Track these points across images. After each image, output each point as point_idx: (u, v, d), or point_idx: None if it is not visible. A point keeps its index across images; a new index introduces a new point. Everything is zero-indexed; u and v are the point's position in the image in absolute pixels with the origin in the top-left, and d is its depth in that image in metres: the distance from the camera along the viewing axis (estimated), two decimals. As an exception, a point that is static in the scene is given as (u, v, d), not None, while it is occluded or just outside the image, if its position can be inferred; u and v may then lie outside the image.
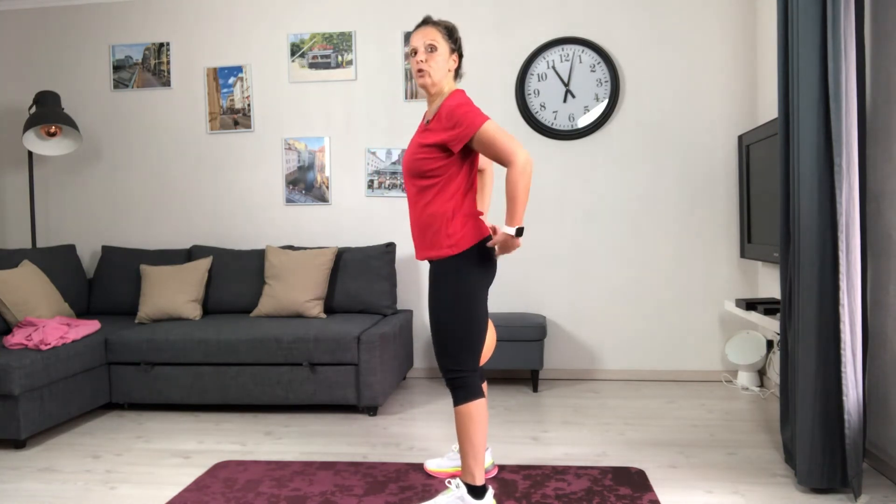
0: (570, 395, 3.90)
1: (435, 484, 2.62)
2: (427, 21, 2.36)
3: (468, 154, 2.31)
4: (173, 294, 3.98)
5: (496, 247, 2.30)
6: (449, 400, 3.84)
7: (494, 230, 2.42)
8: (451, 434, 3.24)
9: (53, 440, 3.28)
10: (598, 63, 4.16)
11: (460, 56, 2.40)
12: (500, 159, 2.21)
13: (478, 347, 2.31)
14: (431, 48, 2.31)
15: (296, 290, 3.91)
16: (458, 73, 2.42)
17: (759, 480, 2.61)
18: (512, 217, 2.21)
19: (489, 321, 2.64)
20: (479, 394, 2.30)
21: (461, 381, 2.29)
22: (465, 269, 2.27)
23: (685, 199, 4.17)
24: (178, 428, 3.42)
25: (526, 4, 4.23)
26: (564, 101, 4.20)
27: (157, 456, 3.02)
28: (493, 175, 2.69)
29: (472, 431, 2.28)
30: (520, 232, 2.22)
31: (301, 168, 4.44)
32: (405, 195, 4.35)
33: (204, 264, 4.14)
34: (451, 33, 2.36)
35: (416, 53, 2.33)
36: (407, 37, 4.32)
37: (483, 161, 2.62)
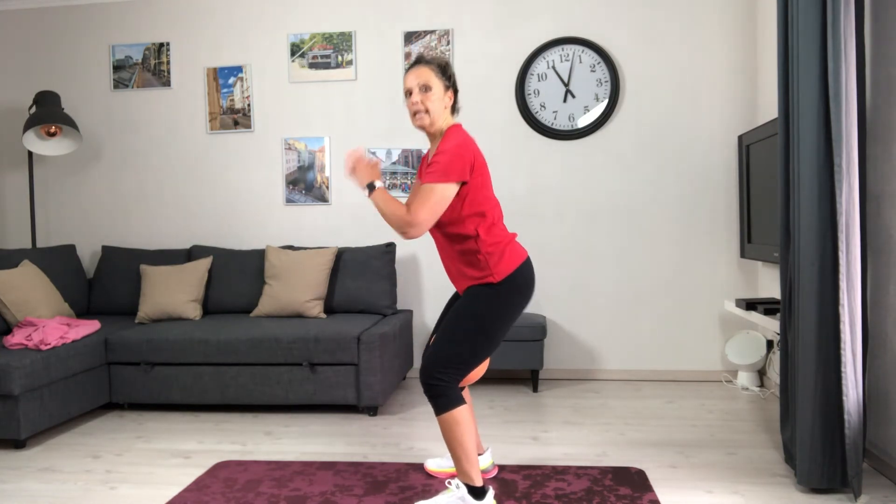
0: (570, 395, 3.90)
1: (435, 484, 2.62)
2: (420, 60, 2.35)
3: (469, 186, 2.28)
4: (173, 294, 3.99)
5: (351, 163, 2.36)
6: (449, 400, 3.84)
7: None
8: (451, 434, 3.24)
9: (53, 440, 3.28)
10: (598, 63, 4.16)
11: (455, 91, 2.40)
12: (411, 203, 2.21)
13: (470, 367, 2.31)
14: (426, 88, 2.30)
15: (296, 290, 3.91)
16: (454, 109, 2.41)
17: (759, 480, 2.61)
18: (382, 190, 2.27)
19: None
20: (460, 401, 2.28)
21: (440, 389, 2.26)
22: (505, 296, 2.28)
23: (685, 199, 4.17)
24: (178, 428, 3.42)
25: (526, 4, 4.23)
26: (564, 101, 4.20)
27: (157, 456, 3.02)
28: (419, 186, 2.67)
29: (460, 435, 2.26)
30: (371, 187, 2.28)
31: (301, 168, 4.44)
32: (405, 195, 4.35)
33: (204, 264, 4.14)
34: (444, 70, 2.35)
35: (410, 94, 2.33)
36: (407, 37, 4.32)
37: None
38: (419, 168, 2.54)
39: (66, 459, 3.00)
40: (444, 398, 2.26)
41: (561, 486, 2.57)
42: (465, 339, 2.27)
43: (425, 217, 2.18)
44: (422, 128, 2.35)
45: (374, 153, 4.36)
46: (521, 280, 2.32)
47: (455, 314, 2.30)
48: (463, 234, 2.31)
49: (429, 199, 2.18)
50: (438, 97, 2.32)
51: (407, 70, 2.37)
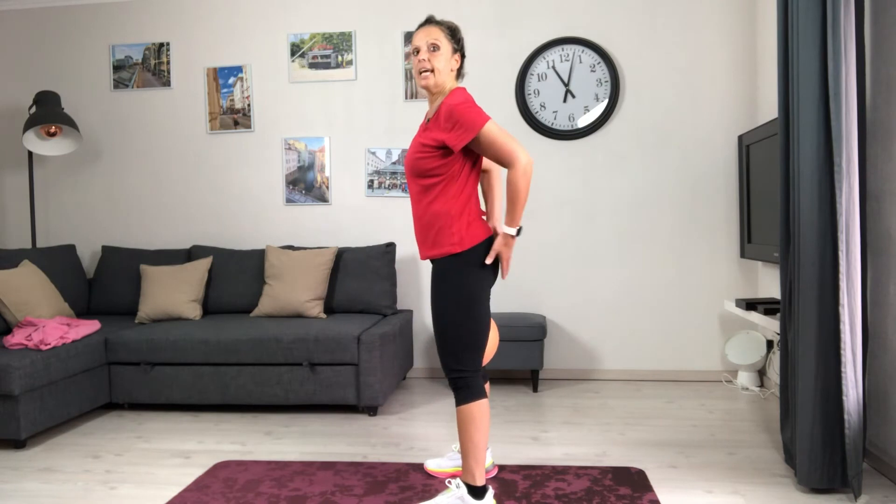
0: (570, 395, 3.90)
1: (435, 484, 2.62)
2: (430, 20, 2.35)
3: (470, 153, 2.30)
4: (173, 294, 3.99)
5: (500, 253, 2.30)
6: (449, 400, 3.84)
7: (494, 231, 2.41)
8: (451, 434, 3.24)
9: (53, 440, 3.28)
10: (598, 63, 4.16)
11: (462, 56, 2.39)
12: (501, 160, 2.21)
13: (480, 347, 2.31)
14: (434, 47, 2.29)
15: (296, 290, 3.91)
16: (460, 73, 2.41)
17: (759, 480, 2.61)
18: (512, 217, 2.23)
19: (492, 321, 2.64)
20: (481, 394, 2.30)
21: (463, 381, 2.29)
22: (467, 269, 2.27)
23: (685, 199, 4.17)
24: (178, 428, 3.42)
25: (526, 4, 4.23)
26: (564, 101, 4.20)
27: (157, 456, 3.02)
28: (500, 177, 2.64)
29: (474, 432, 2.28)
30: (519, 232, 2.26)
31: (301, 168, 4.44)
32: (405, 195, 4.35)
33: (204, 264, 4.14)
34: (453, 33, 2.35)
35: (418, 52, 2.32)
36: (407, 37, 4.32)
37: (487, 162, 2.61)
38: (419, 128, 2.51)
39: (66, 459, 3.00)
40: (464, 390, 2.28)
41: (561, 486, 2.57)
42: (453, 326, 2.27)
43: (514, 146, 2.18)
44: (426, 87, 2.33)
45: (373, 153, 4.36)
46: (484, 252, 2.30)
47: (433, 308, 2.31)
48: (442, 194, 2.28)
49: (497, 140, 2.19)
50: (446, 58, 2.31)
51: (416, 29, 2.37)
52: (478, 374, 2.31)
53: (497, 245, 2.28)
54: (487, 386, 2.69)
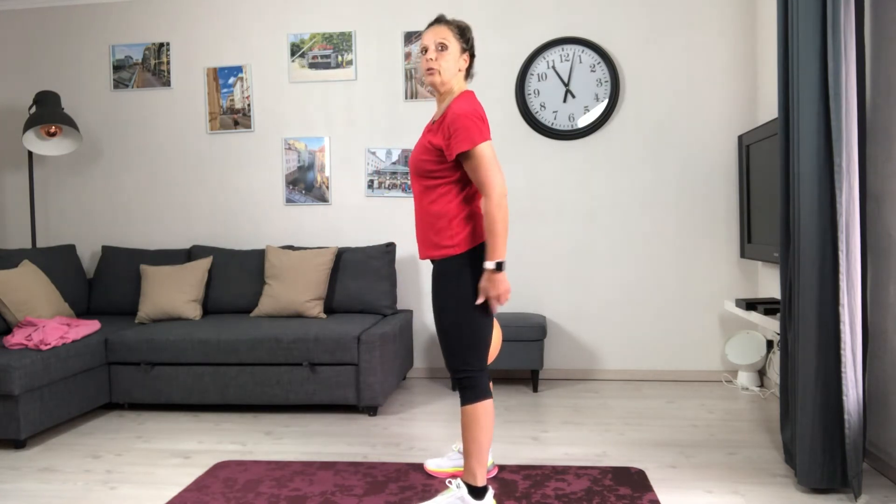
0: (570, 395, 3.90)
1: (435, 484, 2.62)
2: (439, 20, 2.34)
3: None
4: (173, 294, 3.98)
5: (486, 290, 2.23)
6: (449, 400, 3.84)
7: None
8: (451, 434, 3.24)
9: (53, 440, 3.28)
10: (598, 63, 4.16)
11: (472, 56, 2.38)
12: (479, 185, 2.19)
13: (483, 347, 2.30)
14: (442, 46, 2.29)
15: (296, 290, 3.91)
16: (469, 73, 2.40)
17: (759, 480, 2.61)
18: (493, 251, 2.18)
19: (495, 321, 2.63)
20: (486, 394, 2.29)
21: (469, 380, 2.28)
22: (467, 269, 2.26)
23: (685, 199, 4.17)
24: (178, 428, 3.42)
25: (526, 4, 4.23)
26: (564, 101, 4.20)
27: (157, 456, 3.02)
28: None
29: (478, 432, 2.27)
30: (500, 266, 2.18)
31: (301, 168, 4.44)
32: (405, 195, 4.35)
33: (204, 264, 4.14)
34: (463, 33, 2.34)
35: (426, 51, 2.31)
36: (407, 37, 4.32)
37: None
38: (425, 129, 2.49)
39: (66, 459, 3.00)
40: (470, 390, 2.28)
41: (561, 486, 2.57)
42: (456, 326, 2.26)
43: (496, 177, 2.17)
44: (432, 85, 2.32)
45: (373, 153, 4.36)
46: (482, 255, 2.28)
47: (434, 308, 2.31)
48: (443, 195, 2.28)
49: (484, 164, 2.17)
50: (454, 58, 2.30)
51: (426, 28, 2.36)
52: (484, 374, 2.31)
53: (482, 284, 2.23)
54: (490, 385, 2.69)
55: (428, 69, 2.30)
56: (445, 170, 2.26)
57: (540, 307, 4.30)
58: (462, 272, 2.26)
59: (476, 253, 2.28)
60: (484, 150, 2.18)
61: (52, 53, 4.64)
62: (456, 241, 2.27)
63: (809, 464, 2.43)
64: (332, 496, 2.51)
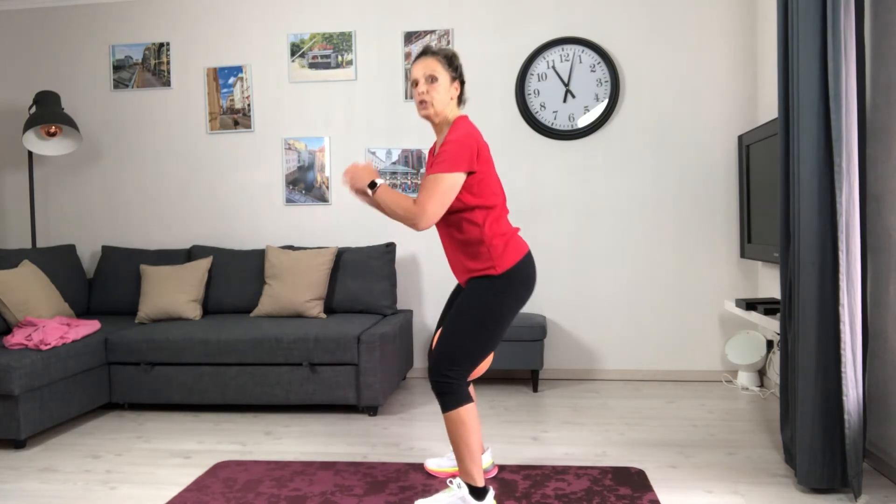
0: (570, 395, 3.90)
1: (435, 484, 2.62)
2: (426, 52, 2.36)
3: (473, 181, 2.28)
4: (173, 294, 3.99)
5: (351, 176, 2.28)
6: (449, 400, 3.84)
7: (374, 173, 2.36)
8: (451, 434, 3.24)
9: (53, 440, 3.28)
10: (598, 63, 4.16)
11: (462, 83, 2.41)
12: (419, 200, 2.20)
13: (477, 361, 2.31)
14: (432, 79, 2.32)
15: (296, 290, 3.91)
16: (461, 100, 2.43)
17: (759, 480, 2.61)
18: (385, 186, 2.24)
19: None
20: (468, 398, 2.29)
21: (448, 386, 2.28)
22: (505, 290, 2.28)
23: (685, 199, 4.17)
24: (178, 428, 3.42)
25: (526, 4, 4.23)
26: (564, 101, 4.20)
27: (157, 456, 3.02)
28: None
29: (467, 435, 2.27)
30: (372, 185, 2.24)
31: (301, 168, 4.44)
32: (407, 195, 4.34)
33: (204, 264, 4.14)
34: (451, 61, 2.36)
35: (416, 85, 2.34)
36: (407, 37, 4.32)
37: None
38: (427, 161, 2.55)
39: (66, 459, 3.00)
40: (451, 396, 2.27)
41: (561, 486, 2.57)
42: (468, 334, 2.27)
43: (434, 208, 2.18)
44: (427, 117, 2.36)
45: (373, 153, 4.36)
46: (523, 273, 2.32)
47: (457, 310, 2.31)
48: (467, 225, 2.31)
49: (437, 190, 2.18)
50: (444, 88, 2.33)
51: (414, 60, 2.38)
52: (463, 383, 2.30)
53: (355, 164, 2.29)
54: (472, 390, 2.69)
55: (420, 102, 2.33)
56: (461, 199, 2.27)
57: (540, 307, 4.30)
58: (500, 291, 2.28)
59: (515, 270, 2.29)
60: (453, 178, 2.19)
61: (52, 53, 4.64)
62: (493, 263, 2.29)
63: (809, 464, 2.44)
64: (332, 496, 2.51)
